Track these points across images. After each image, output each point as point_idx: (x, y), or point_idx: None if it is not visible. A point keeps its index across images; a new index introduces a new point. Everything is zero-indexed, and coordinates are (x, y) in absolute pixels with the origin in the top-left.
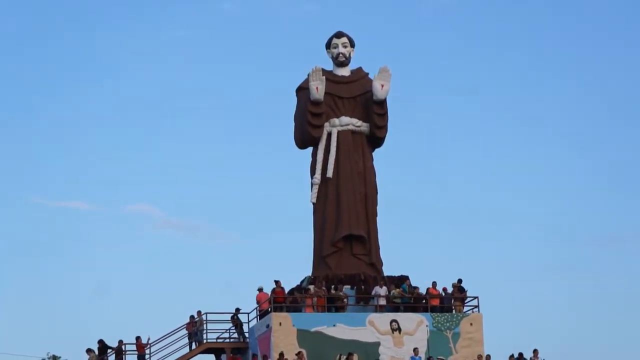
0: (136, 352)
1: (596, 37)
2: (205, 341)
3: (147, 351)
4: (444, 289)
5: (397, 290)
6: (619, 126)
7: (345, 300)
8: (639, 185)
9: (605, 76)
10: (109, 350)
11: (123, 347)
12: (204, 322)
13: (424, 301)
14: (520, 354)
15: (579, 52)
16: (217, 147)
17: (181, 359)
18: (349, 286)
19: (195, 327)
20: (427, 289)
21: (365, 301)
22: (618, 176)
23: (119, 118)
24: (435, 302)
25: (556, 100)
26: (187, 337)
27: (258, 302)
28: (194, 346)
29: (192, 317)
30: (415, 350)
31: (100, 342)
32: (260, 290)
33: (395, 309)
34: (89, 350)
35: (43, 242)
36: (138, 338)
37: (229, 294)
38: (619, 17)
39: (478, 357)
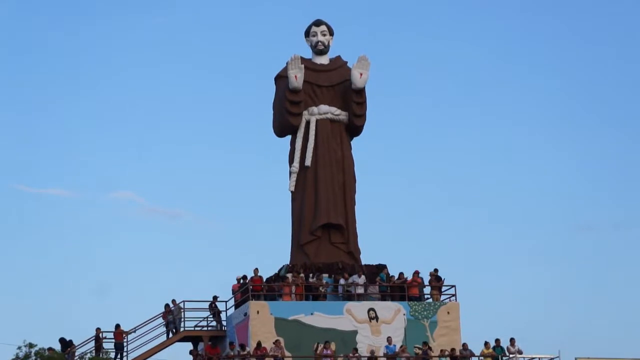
0: (113, 340)
1: (581, 33)
2: (182, 329)
3: (125, 339)
4: (416, 272)
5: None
6: (597, 115)
7: (322, 289)
8: (617, 174)
9: (586, 68)
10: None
11: (101, 334)
12: (181, 310)
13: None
14: (497, 340)
15: (566, 50)
16: (198, 136)
17: (159, 347)
18: (326, 275)
19: (171, 316)
20: (411, 278)
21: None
22: (597, 164)
23: (101, 105)
24: (415, 291)
25: (539, 89)
26: (163, 326)
27: (234, 292)
28: (171, 335)
29: (167, 305)
30: (389, 339)
31: (61, 340)
32: (238, 280)
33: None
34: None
35: (23, 229)
36: (118, 326)
37: (207, 281)
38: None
39: (451, 350)
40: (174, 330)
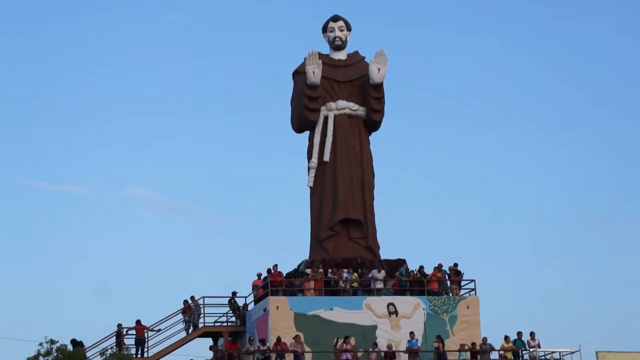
0: (134, 336)
1: (584, 30)
2: (202, 324)
3: (146, 334)
4: (439, 265)
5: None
6: (609, 113)
7: (343, 284)
8: (632, 169)
9: (597, 62)
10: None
11: (122, 330)
12: (200, 306)
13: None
14: (519, 333)
15: (575, 48)
16: (215, 131)
17: (179, 342)
18: (345, 270)
19: (190, 312)
20: (431, 272)
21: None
22: (611, 160)
23: (114, 101)
24: (434, 285)
25: (552, 87)
26: (183, 322)
27: (254, 287)
28: (190, 331)
29: (185, 301)
30: (412, 334)
31: (72, 341)
32: (259, 276)
33: (401, 293)
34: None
35: (40, 226)
36: (138, 321)
37: (226, 277)
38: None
39: (472, 345)
40: (192, 327)
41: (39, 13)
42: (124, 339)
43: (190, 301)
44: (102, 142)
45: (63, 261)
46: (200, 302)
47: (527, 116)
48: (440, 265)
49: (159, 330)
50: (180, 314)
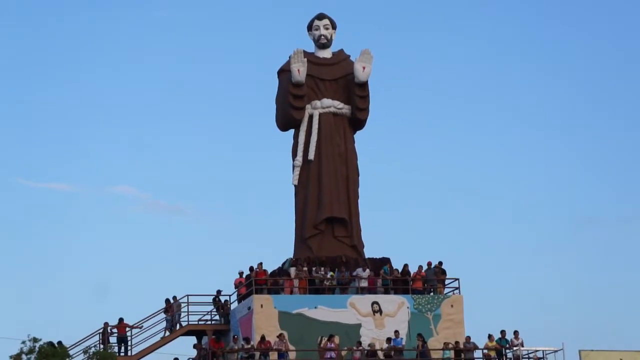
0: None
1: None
2: (185, 324)
3: (130, 332)
4: (429, 264)
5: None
6: (599, 109)
7: (326, 282)
8: (622, 168)
9: (591, 63)
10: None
11: (108, 328)
12: (182, 305)
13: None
14: (503, 332)
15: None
16: (200, 130)
17: (162, 340)
18: (328, 269)
19: (172, 311)
20: (415, 271)
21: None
22: (601, 158)
23: (102, 99)
24: (419, 284)
25: (538, 83)
26: (164, 321)
27: (236, 286)
28: (171, 330)
29: (167, 300)
30: (396, 332)
31: (49, 344)
32: (241, 274)
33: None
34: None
35: (26, 223)
36: (121, 320)
37: (211, 275)
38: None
39: (455, 343)
40: (172, 327)
41: (26, 12)
42: (109, 338)
43: (172, 300)
44: (90, 141)
45: (50, 259)
46: (184, 300)
47: (513, 115)
48: (429, 264)
49: (142, 327)
50: (163, 312)
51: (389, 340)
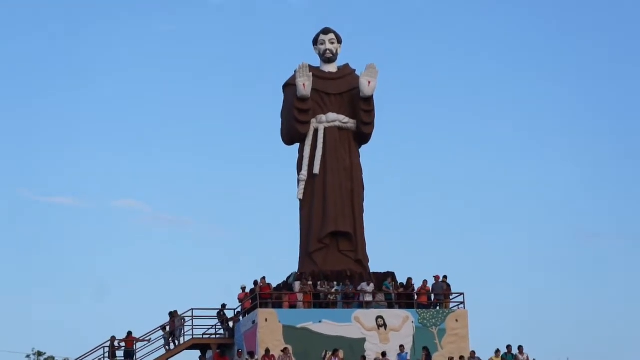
0: (124, 347)
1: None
2: (191, 337)
3: (134, 346)
4: (436, 277)
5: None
6: (602, 126)
7: (332, 297)
8: (622, 183)
9: (592, 76)
10: None
11: (115, 342)
12: (187, 319)
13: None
14: (509, 347)
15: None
16: (205, 144)
17: (167, 354)
18: (335, 283)
19: (173, 326)
20: (420, 285)
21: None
22: (600, 175)
23: (107, 113)
24: (424, 299)
25: (546, 100)
26: (167, 334)
27: (240, 301)
28: (170, 346)
29: (170, 314)
30: (401, 347)
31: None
32: (243, 289)
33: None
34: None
35: (31, 237)
36: (130, 333)
37: (216, 289)
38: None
39: (460, 358)
40: (174, 341)
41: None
42: (115, 352)
43: (174, 313)
44: (93, 154)
45: (54, 272)
46: (189, 314)
47: (520, 130)
48: (437, 277)
49: (150, 340)
50: (167, 326)
51: (384, 354)
